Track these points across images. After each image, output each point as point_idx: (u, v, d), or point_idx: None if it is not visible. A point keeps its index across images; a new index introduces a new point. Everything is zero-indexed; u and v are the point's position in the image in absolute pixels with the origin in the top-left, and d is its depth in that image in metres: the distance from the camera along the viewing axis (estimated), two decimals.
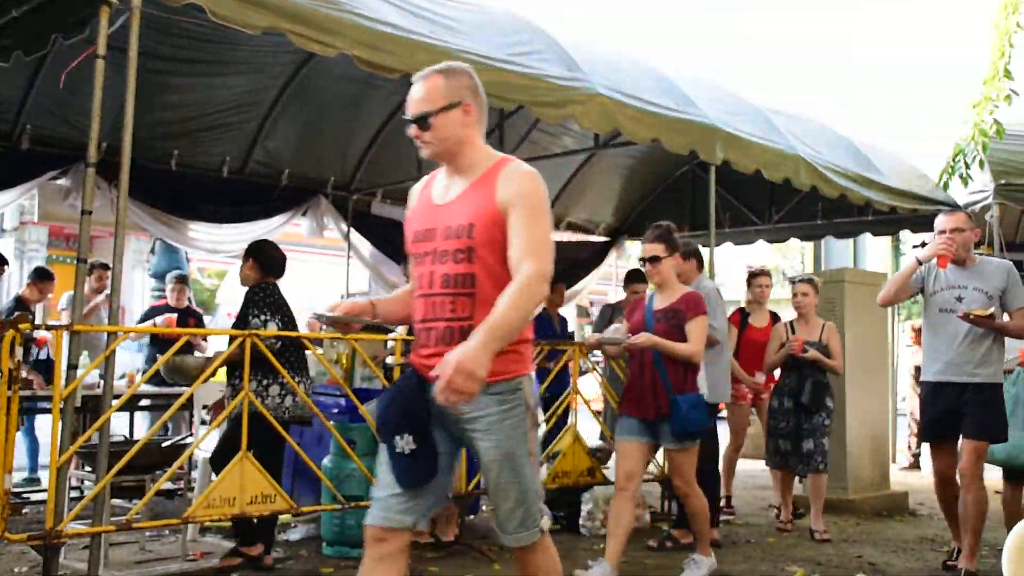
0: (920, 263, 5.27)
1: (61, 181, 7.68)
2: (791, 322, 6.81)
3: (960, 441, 5.24)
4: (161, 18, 5.19)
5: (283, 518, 5.84)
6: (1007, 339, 5.35)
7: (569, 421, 6.41)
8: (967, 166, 7.23)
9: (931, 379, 5.23)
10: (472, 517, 6.59)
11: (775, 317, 7.50)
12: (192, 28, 6.15)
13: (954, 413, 5.11)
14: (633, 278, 7.47)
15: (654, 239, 5.02)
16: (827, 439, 6.55)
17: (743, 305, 7.56)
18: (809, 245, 14.12)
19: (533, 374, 2.89)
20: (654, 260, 4.98)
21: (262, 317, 5.10)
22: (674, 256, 5.04)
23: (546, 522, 2.87)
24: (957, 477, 5.22)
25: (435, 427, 2.82)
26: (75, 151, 7.23)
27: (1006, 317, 5.20)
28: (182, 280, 8.62)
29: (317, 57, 6.33)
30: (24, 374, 4.70)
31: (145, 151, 7.09)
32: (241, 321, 5.18)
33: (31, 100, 7.15)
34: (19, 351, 4.05)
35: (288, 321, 5.24)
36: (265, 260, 5.36)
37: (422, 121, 2.85)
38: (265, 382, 5.05)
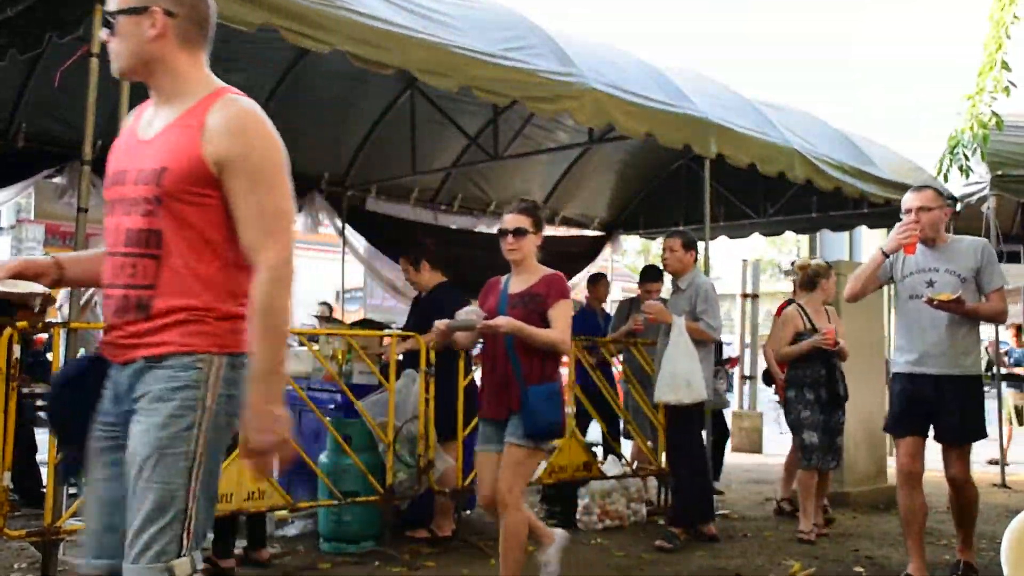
0: (886, 255, 4.92)
1: (57, 179, 7.69)
2: (802, 307, 6.49)
3: (940, 445, 4.83)
4: None
5: (280, 514, 5.85)
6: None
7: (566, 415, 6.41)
8: (966, 157, 7.22)
9: (903, 371, 4.83)
10: (468, 512, 6.60)
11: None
12: None
13: (928, 408, 4.74)
14: (648, 276, 7.55)
15: (521, 210, 4.47)
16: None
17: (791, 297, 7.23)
18: (804, 238, 14.15)
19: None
20: (519, 233, 4.39)
21: None
22: (538, 235, 4.48)
23: (185, 567, 2.13)
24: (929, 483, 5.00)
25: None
26: (70, 149, 7.23)
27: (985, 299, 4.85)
28: None
29: (311, 53, 6.33)
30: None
31: None
32: None
33: (26, 98, 7.15)
34: (17, 349, 4.06)
35: None
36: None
37: (108, 22, 2.34)
38: None
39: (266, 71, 7.69)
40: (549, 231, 11.02)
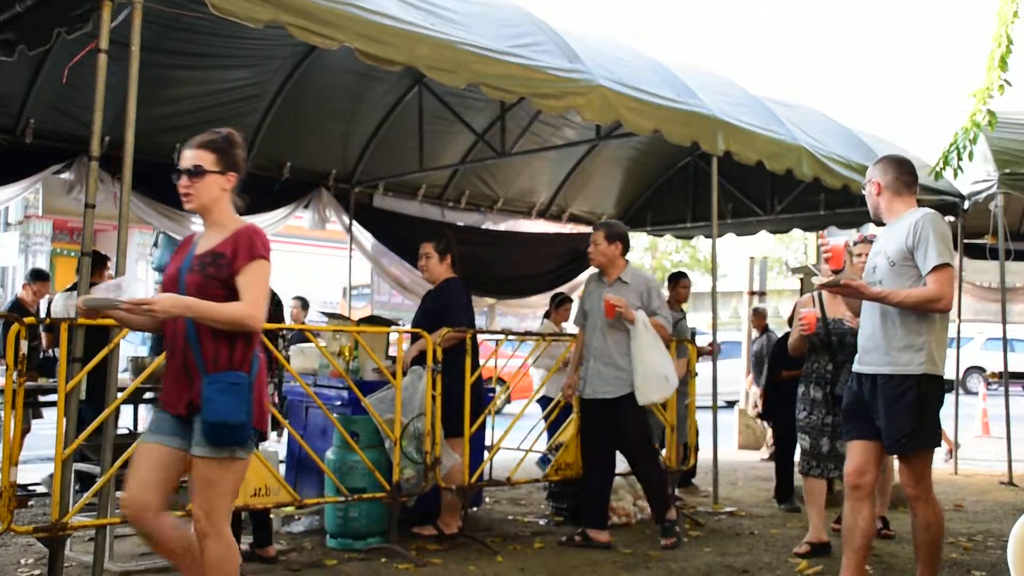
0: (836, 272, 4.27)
1: (65, 175, 7.70)
2: (820, 295, 5.71)
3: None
4: (163, 12, 5.20)
5: (286, 510, 5.86)
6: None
7: (572, 413, 6.42)
8: (959, 157, 7.19)
9: (854, 368, 4.36)
10: (475, 509, 6.61)
11: None
12: (194, 22, 6.15)
13: (861, 411, 4.23)
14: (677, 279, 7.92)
15: (201, 144, 3.52)
16: None
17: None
18: (812, 235, 14.10)
19: None
20: (195, 173, 3.47)
21: None
22: (228, 177, 3.52)
23: None
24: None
25: None
26: (78, 145, 7.25)
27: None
28: None
29: (318, 50, 6.35)
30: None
31: (148, 145, 7.09)
32: None
33: (34, 94, 7.16)
34: (24, 345, 4.07)
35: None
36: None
37: None
38: None
39: (274, 68, 7.69)
40: (556, 228, 11.12)
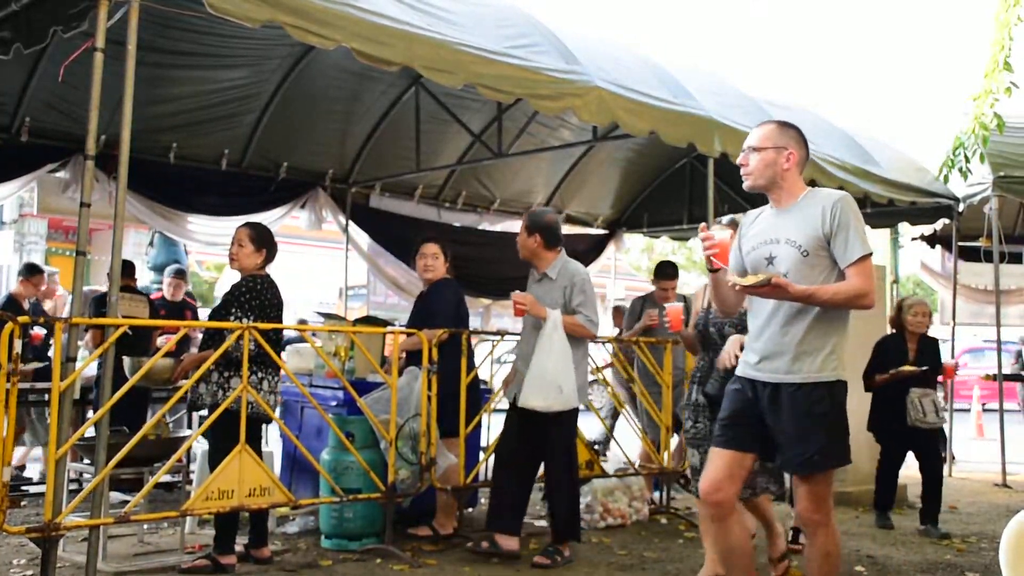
0: (714, 271, 3.77)
1: (60, 174, 7.69)
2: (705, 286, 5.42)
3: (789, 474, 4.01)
4: (160, 11, 5.18)
5: (281, 511, 5.86)
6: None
7: None
8: (967, 159, 7.22)
9: (740, 372, 3.73)
10: (471, 510, 6.60)
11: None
12: (191, 21, 6.14)
13: (747, 421, 3.63)
14: (662, 274, 7.40)
15: None
16: None
17: None
18: None
19: None
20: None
21: (236, 314, 4.90)
22: None
23: None
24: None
25: None
26: (74, 144, 7.24)
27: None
28: (180, 275, 8.63)
29: (316, 50, 6.35)
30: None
31: (144, 144, 7.10)
32: (219, 316, 4.99)
33: (30, 93, 7.15)
34: (18, 344, 4.06)
35: (273, 319, 5.03)
36: (266, 242, 5.15)
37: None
38: (227, 374, 4.89)
39: (271, 67, 7.69)
40: None
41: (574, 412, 5.34)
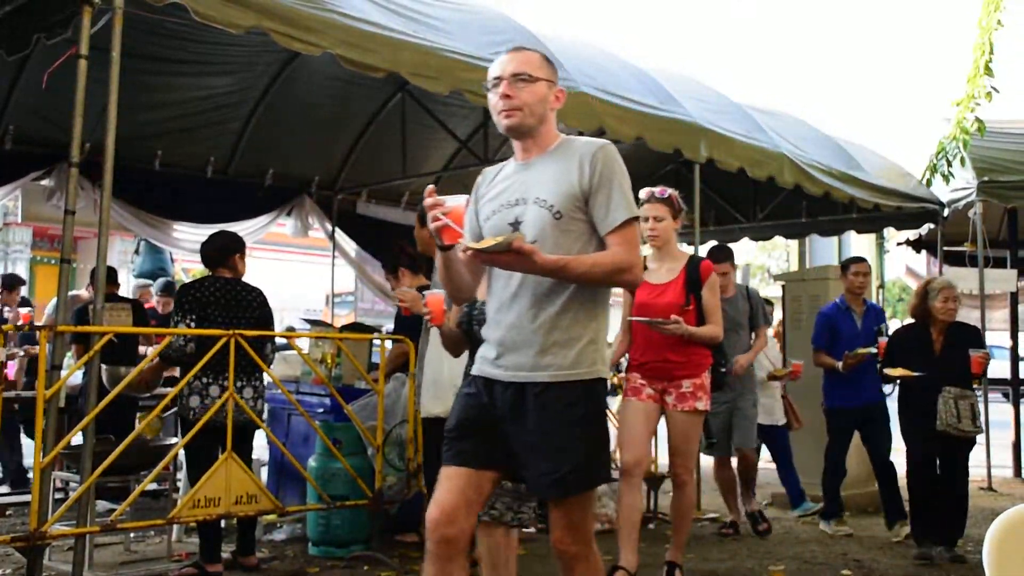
0: (446, 248, 2.85)
1: (44, 181, 7.66)
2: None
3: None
4: (144, 18, 5.18)
5: (268, 518, 5.83)
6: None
7: None
8: (949, 163, 7.27)
9: (474, 371, 2.96)
10: None
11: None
12: (175, 28, 6.13)
13: (483, 431, 2.86)
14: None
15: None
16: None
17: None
18: (794, 243, 14.20)
19: None
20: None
21: (175, 319, 4.98)
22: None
23: None
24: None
25: None
26: (58, 151, 7.21)
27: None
28: (167, 291, 8.60)
29: (301, 56, 6.33)
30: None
31: (129, 151, 7.07)
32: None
33: (14, 100, 7.12)
34: (2, 352, 4.04)
35: (210, 320, 4.98)
36: (203, 253, 5.34)
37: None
38: (205, 380, 4.88)
39: (256, 74, 7.67)
40: None
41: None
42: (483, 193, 3.01)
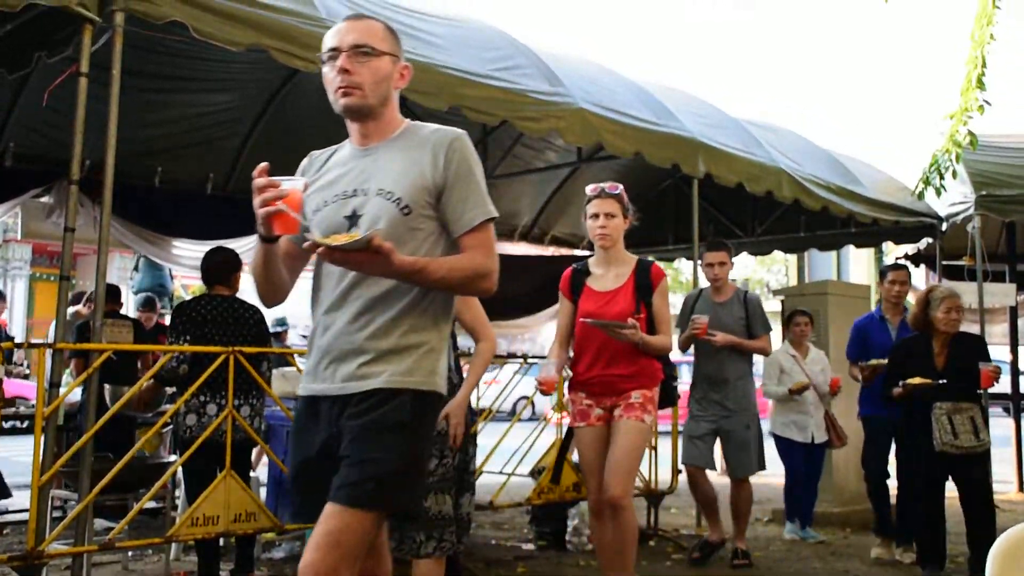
0: (271, 240, 2.51)
1: (44, 198, 7.66)
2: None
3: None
4: (144, 36, 5.18)
5: (267, 536, 5.81)
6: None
7: (554, 436, 6.40)
8: (941, 176, 7.27)
9: (300, 391, 2.63)
10: None
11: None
12: (175, 46, 6.15)
13: (322, 471, 2.43)
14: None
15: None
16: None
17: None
18: (792, 257, 14.23)
19: None
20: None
21: (171, 339, 4.93)
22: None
23: None
24: None
25: None
26: (58, 168, 7.22)
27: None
28: (148, 306, 8.59)
29: (300, 73, 6.35)
30: None
31: (128, 168, 7.08)
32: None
33: (14, 117, 7.13)
34: (1, 370, 4.03)
35: (207, 339, 4.95)
36: (202, 269, 5.27)
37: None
38: (202, 398, 4.87)
39: (256, 91, 7.69)
40: (538, 250, 11.13)
41: None
42: (310, 181, 2.60)
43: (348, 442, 2.37)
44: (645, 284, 4.47)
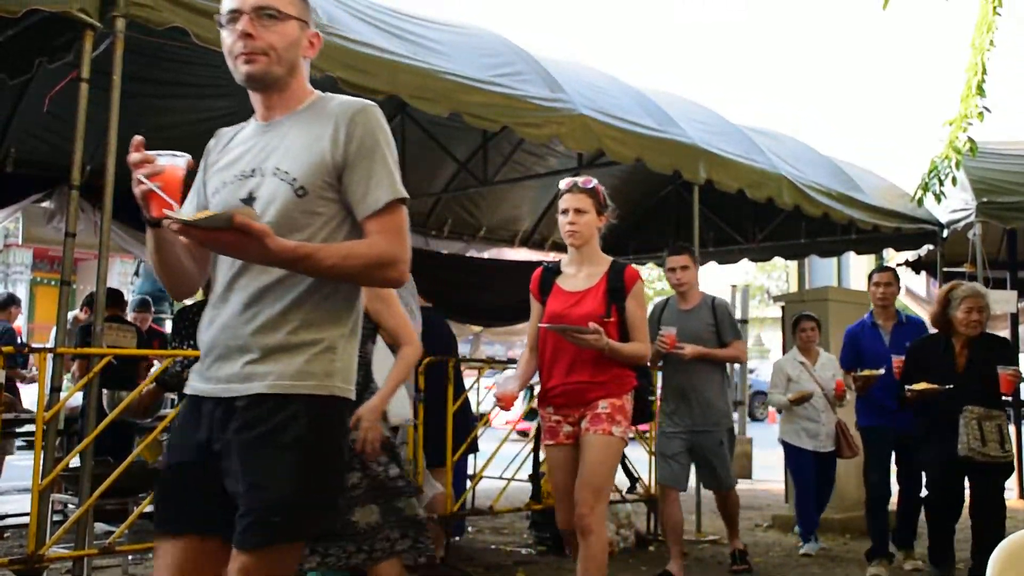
0: (156, 223, 2.17)
1: (45, 204, 7.68)
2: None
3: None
4: (145, 42, 5.20)
5: None
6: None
7: None
8: (940, 183, 7.28)
9: (187, 389, 2.29)
10: (457, 539, 6.57)
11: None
12: (176, 51, 6.15)
13: (207, 475, 2.15)
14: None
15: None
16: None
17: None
18: (793, 264, 14.21)
19: None
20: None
21: (173, 344, 4.94)
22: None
23: None
24: None
25: None
26: (59, 173, 7.23)
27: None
28: (143, 307, 8.59)
29: None
30: None
31: (129, 173, 7.07)
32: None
33: (15, 123, 7.15)
34: (1, 374, 4.04)
35: None
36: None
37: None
38: None
39: None
40: (539, 256, 11.14)
41: (395, 430, 4.20)
42: (214, 160, 2.40)
43: (240, 462, 2.09)
44: (618, 287, 4.14)
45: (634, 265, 4.45)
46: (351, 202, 2.20)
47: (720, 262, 11.45)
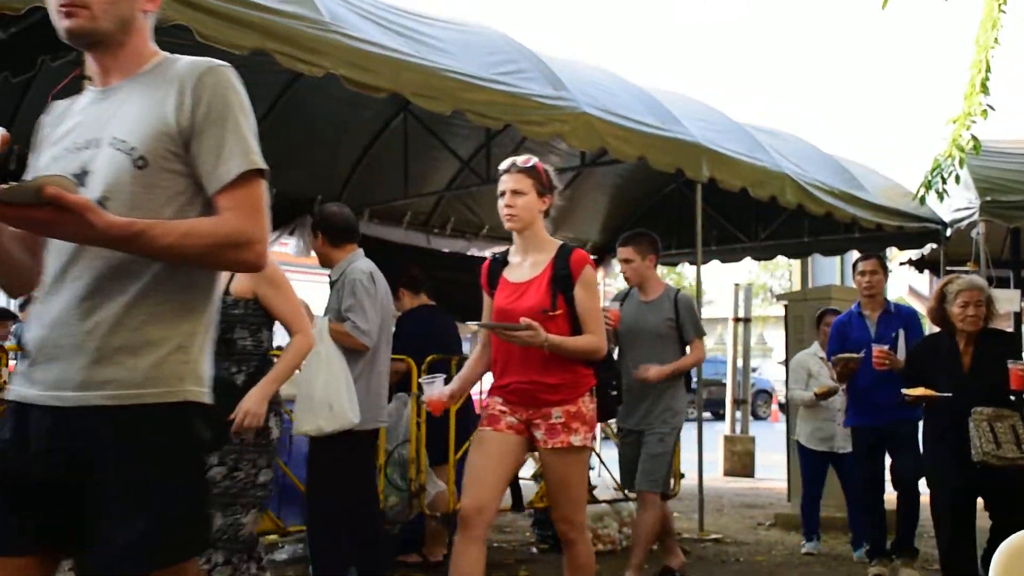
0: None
1: None
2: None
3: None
4: None
5: (269, 538, 5.81)
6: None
7: None
8: (943, 181, 7.25)
9: (9, 393, 2.03)
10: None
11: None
12: (179, 49, 6.16)
13: (35, 487, 1.88)
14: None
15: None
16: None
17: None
18: (796, 262, 14.20)
19: None
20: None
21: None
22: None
23: None
24: None
25: None
26: None
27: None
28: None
29: (304, 77, 6.35)
30: None
31: None
32: None
33: (18, 121, 7.13)
34: (5, 372, 4.05)
35: None
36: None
37: None
38: None
39: (259, 94, 7.69)
40: None
41: (351, 434, 4.30)
42: (47, 135, 2.19)
43: (96, 485, 1.82)
44: (564, 274, 3.70)
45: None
46: (200, 175, 1.93)
47: (723, 261, 11.43)
